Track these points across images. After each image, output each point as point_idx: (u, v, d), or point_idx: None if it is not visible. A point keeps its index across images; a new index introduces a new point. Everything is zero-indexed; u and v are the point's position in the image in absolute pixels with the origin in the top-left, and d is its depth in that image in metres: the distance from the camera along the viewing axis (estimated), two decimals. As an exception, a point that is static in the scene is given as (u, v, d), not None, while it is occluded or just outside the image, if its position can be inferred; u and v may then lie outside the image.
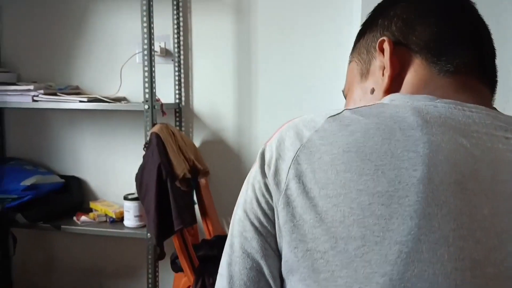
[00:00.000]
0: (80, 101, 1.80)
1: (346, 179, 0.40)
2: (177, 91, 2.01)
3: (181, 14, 1.98)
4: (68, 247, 2.22)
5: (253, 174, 0.48)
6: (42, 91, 1.85)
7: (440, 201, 0.38)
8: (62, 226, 1.86)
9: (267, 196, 0.46)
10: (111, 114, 2.08)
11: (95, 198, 2.14)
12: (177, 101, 2.01)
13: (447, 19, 0.52)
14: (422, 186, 0.38)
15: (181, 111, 2.02)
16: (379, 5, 0.59)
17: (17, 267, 2.25)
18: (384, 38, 0.54)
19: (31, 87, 1.85)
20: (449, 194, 0.38)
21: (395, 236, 0.37)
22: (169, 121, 1.92)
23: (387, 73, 0.53)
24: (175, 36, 1.99)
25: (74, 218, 1.91)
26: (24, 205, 1.86)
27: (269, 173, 0.45)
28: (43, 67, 2.14)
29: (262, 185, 0.46)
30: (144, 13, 1.70)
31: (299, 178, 0.42)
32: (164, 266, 1.94)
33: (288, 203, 0.43)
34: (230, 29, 1.96)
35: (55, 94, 1.87)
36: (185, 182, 1.71)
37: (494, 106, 0.55)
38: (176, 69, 2.00)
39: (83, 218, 1.89)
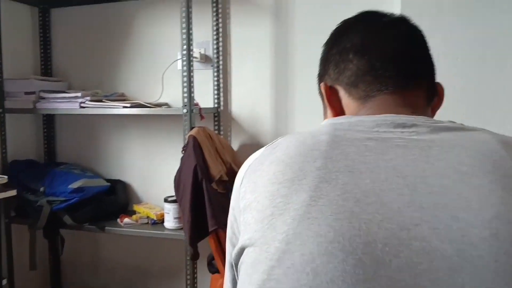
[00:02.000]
0: (124, 107, 1.87)
1: (266, 180, 0.54)
2: (216, 96, 2.04)
3: (220, 20, 2.03)
4: (113, 247, 2.31)
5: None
6: (88, 98, 1.94)
7: (330, 179, 0.50)
8: (106, 228, 1.93)
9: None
10: (153, 119, 2.15)
11: (138, 201, 2.21)
12: (216, 105, 2.04)
13: (366, 56, 0.64)
14: (318, 171, 0.51)
15: (219, 115, 2.06)
16: (322, 51, 0.73)
17: (66, 267, 2.36)
18: (322, 83, 0.69)
19: (79, 94, 1.95)
20: (339, 174, 0.50)
21: (293, 206, 0.49)
22: (208, 125, 1.95)
23: (329, 111, 0.68)
24: (214, 42, 2.03)
25: (118, 220, 1.98)
26: (72, 207, 1.95)
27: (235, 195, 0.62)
28: (92, 76, 2.25)
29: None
30: (184, 20, 1.75)
31: (245, 191, 0.57)
32: (203, 266, 1.97)
33: (245, 207, 0.56)
34: (268, 34, 1.98)
35: (100, 101, 1.96)
36: (222, 184, 1.73)
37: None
38: (215, 74, 2.04)
39: (126, 220, 1.96)
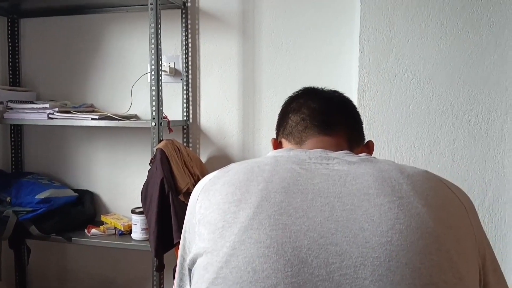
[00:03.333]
0: (92, 119, 1.90)
1: (219, 199, 0.65)
2: (185, 109, 2.09)
3: (189, 35, 2.07)
4: (81, 258, 2.31)
5: None
6: (57, 109, 1.95)
7: (269, 198, 0.62)
8: (73, 238, 1.94)
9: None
10: (121, 131, 2.18)
11: (106, 212, 2.22)
12: (185, 118, 2.09)
13: (299, 113, 0.85)
14: (260, 191, 0.63)
15: (188, 128, 2.10)
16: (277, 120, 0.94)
17: (32, 277, 2.35)
18: (272, 139, 0.92)
19: (47, 105, 1.96)
20: (277, 194, 0.63)
21: (240, 219, 0.61)
22: (177, 137, 1.99)
23: None
24: (184, 56, 2.08)
25: (85, 230, 1.99)
26: (38, 217, 1.95)
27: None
28: (61, 87, 2.26)
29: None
30: (152, 34, 1.79)
31: (200, 207, 0.67)
32: (169, 277, 2.00)
33: (199, 220, 0.66)
34: (236, 50, 2.04)
35: (69, 112, 1.97)
36: (189, 196, 1.77)
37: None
38: (185, 87, 2.09)
39: (93, 230, 1.97)
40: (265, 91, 2.02)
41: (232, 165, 0.74)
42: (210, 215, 0.64)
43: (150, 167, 1.75)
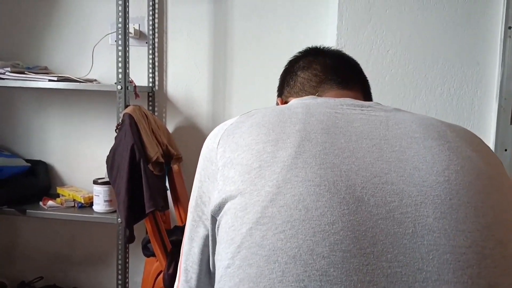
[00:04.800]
0: (50, 80, 1.73)
1: (250, 140, 0.60)
2: (150, 75, 1.96)
3: (156, -4, 1.94)
4: (34, 232, 2.14)
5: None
6: (8, 69, 1.77)
7: (310, 138, 0.59)
8: (28, 211, 1.78)
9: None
10: (81, 95, 2.01)
11: (62, 184, 2.07)
12: (151, 84, 1.96)
13: (309, 70, 0.83)
14: (299, 132, 0.59)
15: (154, 95, 1.98)
16: (279, 78, 0.93)
17: (-23, 255, 2.15)
18: (278, 98, 0.89)
19: (-3, 64, 1.77)
20: (317, 135, 0.59)
21: (280, 159, 0.56)
22: (142, 105, 1.87)
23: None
24: (150, 18, 1.94)
25: (40, 203, 1.84)
26: (-14, 188, 1.77)
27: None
28: (10, 46, 2.05)
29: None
30: (119, -8, 1.64)
31: (224, 151, 0.62)
32: (134, 252, 1.90)
33: (225, 164, 0.61)
34: (207, 14, 1.93)
35: (22, 73, 1.79)
36: (158, 166, 1.67)
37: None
38: (150, 52, 1.96)
39: (50, 203, 1.82)
40: (237, 58, 1.93)
41: (253, 110, 0.69)
42: (241, 156, 0.59)
43: (116, 133, 1.63)
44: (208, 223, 0.62)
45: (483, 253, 0.49)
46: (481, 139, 0.65)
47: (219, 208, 0.58)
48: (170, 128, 1.99)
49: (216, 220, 0.59)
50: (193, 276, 0.64)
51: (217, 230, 0.59)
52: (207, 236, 0.63)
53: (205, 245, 0.64)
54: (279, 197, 0.53)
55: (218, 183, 0.60)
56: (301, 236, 0.50)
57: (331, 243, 0.49)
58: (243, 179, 0.57)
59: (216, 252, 0.58)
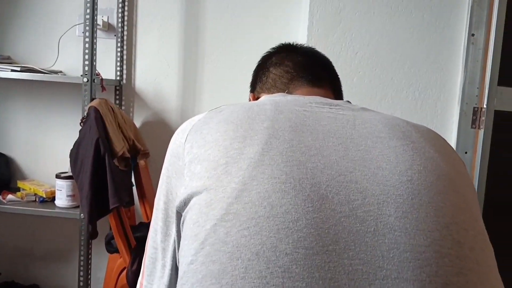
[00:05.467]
0: (12, 70, 1.68)
1: (217, 136, 0.60)
2: (118, 68, 1.93)
3: (126, -12, 1.91)
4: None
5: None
6: (-32, 57, 1.70)
7: (278, 136, 0.59)
8: (-15, 204, 1.72)
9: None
10: (46, 87, 1.96)
11: (23, 177, 2.00)
12: (118, 78, 1.93)
13: (281, 66, 0.84)
14: (267, 129, 0.59)
15: (122, 88, 1.95)
16: (252, 74, 0.93)
17: None
18: (250, 94, 0.90)
19: (-44, 52, 1.70)
20: (285, 133, 0.59)
21: (247, 155, 0.56)
22: (109, 98, 1.83)
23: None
24: (120, 10, 1.91)
25: (0, 196, 1.78)
26: None
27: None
28: (-30, 34, 1.98)
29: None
30: (87, -18, 1.61)
31: (191, 146, 0.61)
32: (97, 248, 1.86)
33: (191, 160, 0.61)
34: (178, 9, 1.91)
35: (-17, 62, 1.73)
36: (124, 161, 1.64)
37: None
38: (119, 44, 1.92)
39: (10, 196, 1.77)
40: (208, 55, 1.93)
41: (222, 106, 0.68)
42: (207, 152, 0.59)
43: (81, 127, 1.59)
44: (173, 221, 0.62)
45: (441, 252, 0.50)
46: (444, 140, 0.67)
47: (184, 204, 0.58)
48: (138, 123, 1.96)
49: (181, 215, 0.59)
50: (165, 271, 0.64)
51: (182, 226, 0.58)
52: (171, 235, 0.63)
53: (170, 240, 0.63)
54: (244, 193, 0.53)
55: (185, 179, 0.59)
56: (265, 233, 0.50)
57: (294, 240, 0.49)
58: (209, 175, 0.56)
59: (180, 248, 0.58)
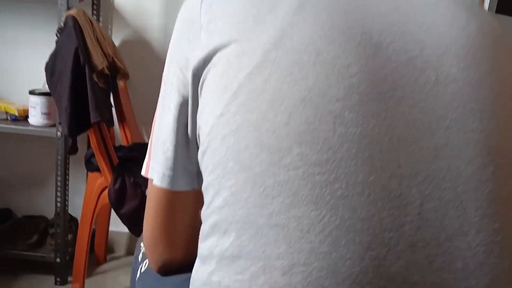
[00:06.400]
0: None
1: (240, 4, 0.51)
2: (96, -21, 1.78)
3: None
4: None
5: None
6: None
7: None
8: (-48, 122, 1.60)
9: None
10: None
11: (-8, 96, 1.88)
12: (96, -10, 1.79)
13: None
14: None
15: (99, 2, 1.80)
16: None
17: None
18: None
19: None
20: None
21: (283, 5, 0.49)
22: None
23: None
24: None
25: (-34, 114, 1.67)
26: None
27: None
28: None
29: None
30: None
31: (210, 5, 0.53)
32: (74, 173, 1.80)
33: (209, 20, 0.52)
34: None
35: None
36: (103, 78, 1.54)
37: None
38: (96, -47, 1.76)
39: (-22, 114, 1.65)
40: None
41: None
42: (233, 6, 0.51)
43: (57, 37, 1.47)
44: (187, 87, 0.54)
45: (505, 105, 0.48)
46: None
47: (204, 62, 0.51)
48: (116, 41, 1.84)
49: (200, 77, 0.52)
50: (169, 147, 0.56)
51: (201, 88, 0.52)
52: (182, 104, 0.56)
53: (180, 113, 0.57)
54: (284, 40, 0.47)
55: (201, 40, 0.52)
56: (312, 78, 0.45)
57: (346, 86, 0.45)
58: (237, 28, 0.50)
59: (199, 112, 0.52)
